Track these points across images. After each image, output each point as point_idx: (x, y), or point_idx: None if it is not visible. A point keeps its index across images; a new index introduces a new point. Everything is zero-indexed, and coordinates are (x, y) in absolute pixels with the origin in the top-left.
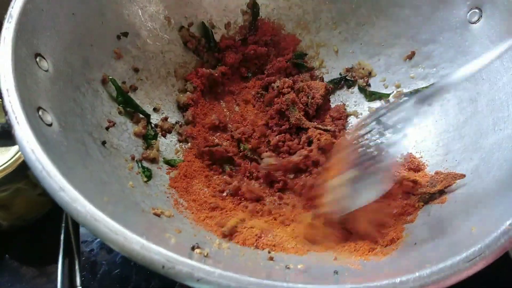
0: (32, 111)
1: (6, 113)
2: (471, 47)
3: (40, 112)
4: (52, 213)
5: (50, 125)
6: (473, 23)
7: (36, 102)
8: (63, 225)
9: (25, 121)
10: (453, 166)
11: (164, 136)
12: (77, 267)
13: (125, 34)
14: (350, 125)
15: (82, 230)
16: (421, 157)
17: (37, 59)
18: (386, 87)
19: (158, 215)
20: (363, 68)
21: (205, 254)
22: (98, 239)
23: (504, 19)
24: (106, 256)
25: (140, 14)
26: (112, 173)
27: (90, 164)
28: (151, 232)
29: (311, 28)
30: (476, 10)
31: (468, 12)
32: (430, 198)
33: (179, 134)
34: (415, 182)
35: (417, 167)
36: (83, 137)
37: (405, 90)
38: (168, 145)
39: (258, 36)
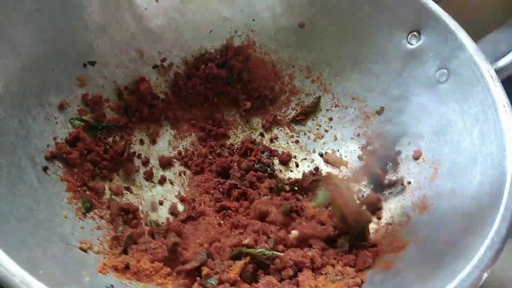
0: None
1: None
2: (437, 106)
3: None
4: None
5: None
6: (441, 83)
7: None
8: None
9: None
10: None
11: None
12: None
13: (92, 63)
14: None
15: None
16: None
17: None
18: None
19: (85, 250)
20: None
21: None
22: None
23: (469, 82)
24: None
25: (111, 44)
26: (44, 200)
27: (19, 189)
28: (67, 267)
29: (284, 75)
30: (445, 71)
31: (437, 72)
32: None
33: None
34: None
35: None
36: (20, 160)
37: (374, 145)
38: None
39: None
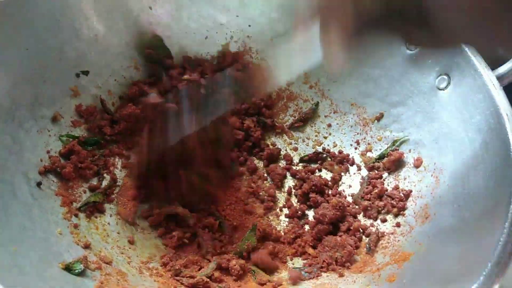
0: None
1: None
2: (438, 113)
3: None
4: None
5: None
6: (441, 89)
7: None
8: None
9: None
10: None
11: None
12: None
13: (86, 73)
14: None
15: None
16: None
17: None
18: (356, 149)
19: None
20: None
21: None
22: None
23: (470, 89)
24: None
25: (104, 53)
26: (39, 217)
27: (12, 207)
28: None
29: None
30: (445, 77)
31: (437, 78)
32: None
33: None
34: None
35: None
36: (13, 176)
37: (374, 152)
38: None
39: None
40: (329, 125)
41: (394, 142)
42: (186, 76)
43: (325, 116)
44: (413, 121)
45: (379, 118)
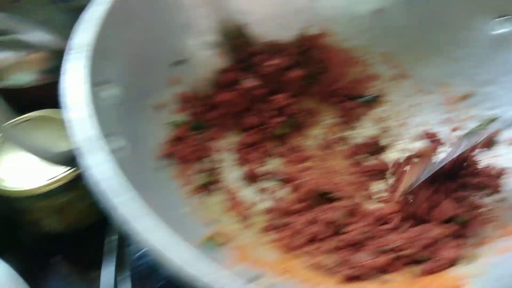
0: (106, 139)
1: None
2: None
3: (112, 138)
4: (97, 223)
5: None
6: None
7: (108, 128)
8: (111, 237)
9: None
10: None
11: None
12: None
13: (183, 62)
14: None
15: None
16: None
17: (106, 86)
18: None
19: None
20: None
21: None
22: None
23: None
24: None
25: (199, 41)
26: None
27: (158, 187)
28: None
29: (361, 62)
30: None
31: None
32: None
33: None
34: None
35: None
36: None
37: (462, 131)
38: None
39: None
40: (412, 105)
41: (484, 121)
42: (269, 62)
43: (407, 96)
44: (505, 99)
45: (466, 97)
